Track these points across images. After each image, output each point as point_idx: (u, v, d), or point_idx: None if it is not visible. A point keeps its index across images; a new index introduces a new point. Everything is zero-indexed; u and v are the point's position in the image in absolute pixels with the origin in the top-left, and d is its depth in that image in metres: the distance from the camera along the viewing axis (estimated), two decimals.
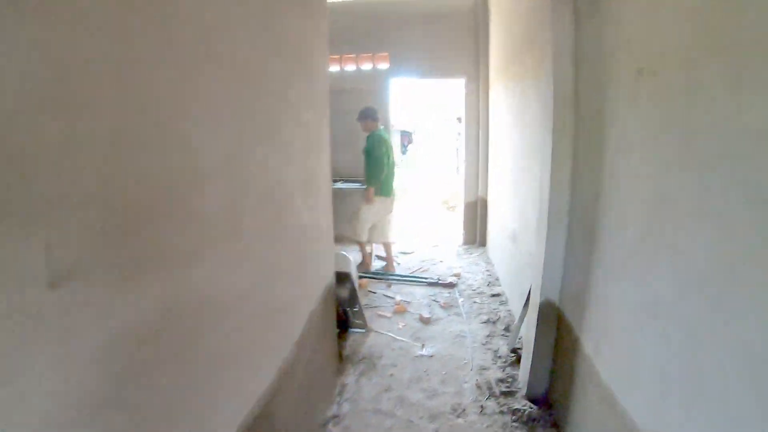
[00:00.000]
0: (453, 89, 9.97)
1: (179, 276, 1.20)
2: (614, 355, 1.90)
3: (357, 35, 6.42)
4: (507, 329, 3.86)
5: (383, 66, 6.42)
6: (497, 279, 5.06)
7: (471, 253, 6.15)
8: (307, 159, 2.41)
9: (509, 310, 4.21)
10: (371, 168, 5.05)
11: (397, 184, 5.49)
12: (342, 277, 3.56)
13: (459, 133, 14.46)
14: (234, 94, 1.52)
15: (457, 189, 12.64)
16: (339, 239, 6.60)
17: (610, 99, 1.89)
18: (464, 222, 6.58)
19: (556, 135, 2.39)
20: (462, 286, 4.92)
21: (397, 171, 5.51)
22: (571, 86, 2.30)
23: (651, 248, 1.57)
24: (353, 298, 3.72)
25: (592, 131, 2.11)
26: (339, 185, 5.78)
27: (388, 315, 4.20)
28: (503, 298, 4.52)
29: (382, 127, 5.33)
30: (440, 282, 4.96)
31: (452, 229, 8.11)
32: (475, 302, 4.48)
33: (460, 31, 6.14)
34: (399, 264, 5.73)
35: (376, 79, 6.46)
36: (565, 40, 2.26)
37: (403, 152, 23.15)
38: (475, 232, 6.44)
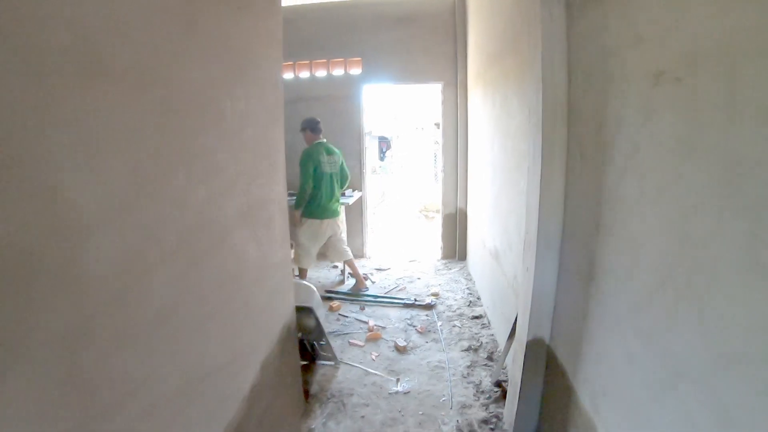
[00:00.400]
0: (431, 95, 9.66)
1: (56, 364, 0.89)
2: (619, 421, 1.56)
3: (328, 40, 6.05)
4: (490, 358, 3.52)
5: (356, 71, 6.06)
6: (478, 298, 4.73)
7: (450, 269, 5.81)
8: (252, 185, 2.03)
9: (492, 335, 3.88)
10: (299, 187, 4.65)
11: (342, 201, 5.18)
12: (304, 310, 3.17)
13: (436, 141, 14.24)
14: (134, 116, 1.15)
15: (435, 197, 12.43)
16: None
17: (615, 110, 1.55)
18: (443, 234, 6.24)
19: (546, 150, 2.05)
20: (441, 307, 4.57)
21: (341, 187, 5.08)
22: (564, 94, 1.97)
23: (671, 300, 1.24)
24: (319, 332, 3.33)
25: (591, 148, 1.77)
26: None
27: (361, 343, 3.82)
28: (485, 320, 4.18)
29: (323, 139, 4.86)
30: (417, 303, 4.60)
31: (431, 240, 7.79)
32: (455, 326, 4.13)
33: (437, 34, 5.82)
34: (373, 283, 5.36)
35: (350, 85, 6.10)
36: (557, 38, 1.92)
37: (381, 159, 22.82)
38: (455, 246, 6.11)
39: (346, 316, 4.38)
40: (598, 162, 1.69)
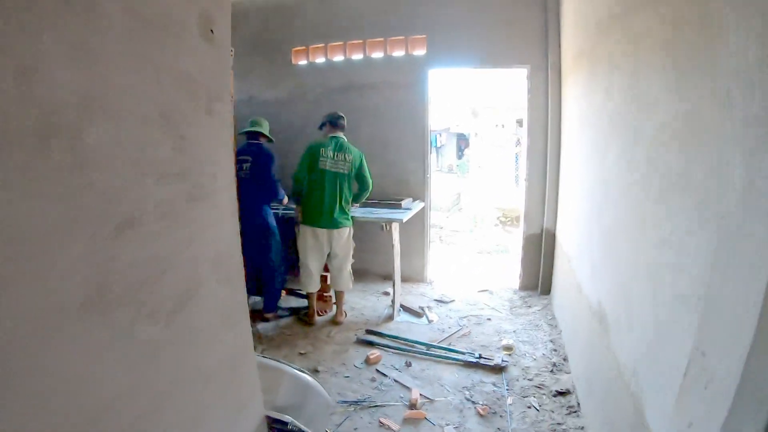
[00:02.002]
0: (514, 83, 8.27)
1: None
2: None
3: (386, 13, 4.96)
4: None
5: (419, 53, 4.92)
6: (565, 359, 3.45)
7: (530, 306, 4.53)
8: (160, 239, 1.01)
9: (582, 429, 2.64)
10: None
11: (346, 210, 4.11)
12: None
13: (519, 140, 12.65)
14: None
15: (515, 202, 11.00)
16: (362, 274, 5.22)
17: None
18: (523, 259, 4.95)
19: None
20: (514, 370, 3.35)
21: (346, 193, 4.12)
22: None
23: None
24: None
25: None
26: (357, 213, 4.34)
27: (395, 427, 2.72)
28: (573, 401, 2.93)
29: (341, 135, 4.08)
30: (482, 362, 3.41)
31: (508, 260, 6.51)
32: (530, 406, 2.91)
33: (521, 3, 4.52)
34: (430, 322, 4.21)
35: (412, 70, 4.96)
36: None
37: (459, 157, 21.32)
38: (537, 274, 4.80)
39: (385, 375, 3.30)
40: None
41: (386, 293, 4.80)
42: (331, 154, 3.94)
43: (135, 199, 1.09)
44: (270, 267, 4.27)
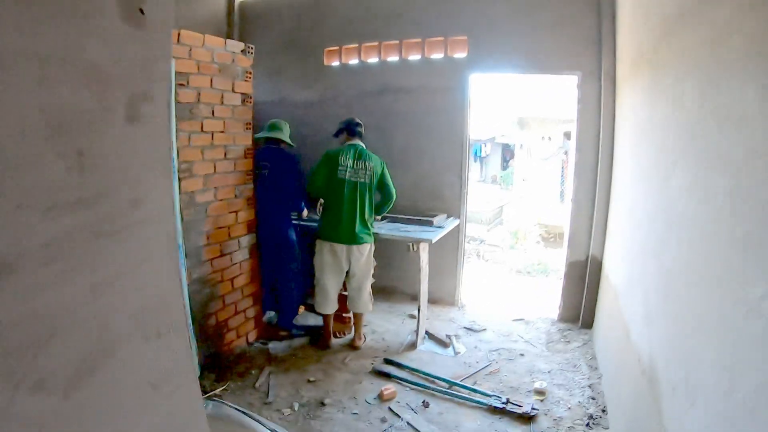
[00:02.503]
0: (563, 91, 7.74)
1: None
2: None
3: (424, 12, 4.60)
4: None
5: (460, 55, 4.53)
6: (604, 411, 2.97)
7: (569, 341, 4.03)
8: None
9: None
10: None
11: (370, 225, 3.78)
12: None
13: (565, 153, 11.99)
14: None
15: (558, 219, 10.49)
16: (389, 293, 4.87)
17: None
18: (565, 288, 4.45)
19: None
20: (544, 421, 2.89)
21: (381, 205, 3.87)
22: None
23: None
24: None
25: None
26: (383, 230, 3.99)
27: None
28: None
29: (359, 142, 3.76)
30: (510, 408, 2.97)
31: (548, 283, 6.01)
32: None
33: (572, 3, 4.06)
34: (457, 354, 3.79)
35: (451, 74, 4.57)
36: None
37: (504, 168, 20.58)
38: (579, 306, 4.28)
39: (398, 416, 2.91)
40: None
41: (412, 316, 4.40)
42: (350, 162, 3.61)
43: (9, 238, 0.77)
44: (287, 281, 3.99)
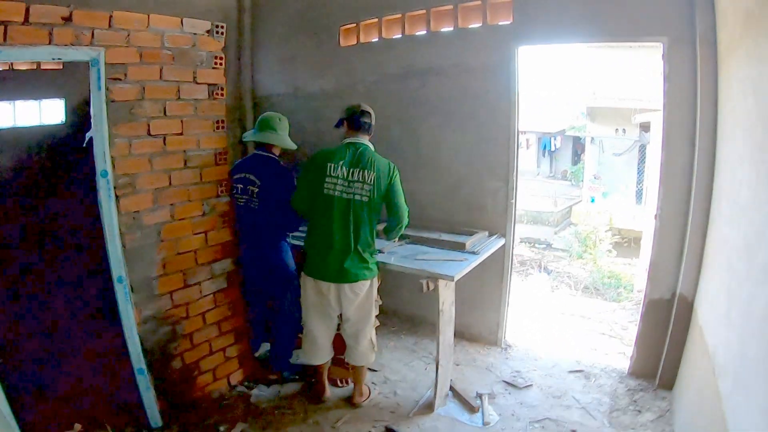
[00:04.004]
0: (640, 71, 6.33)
1: None
2: None
3: None
4: None
5: (504, 22, 3.50)
6: None
7: (639, 410, 2.91)
8: None
9: None
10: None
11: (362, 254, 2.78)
12: None
13: (643, 145, 10.43)
14: None
15: (634, 222, 9.37)
16: (416, 325, 4.00)
17: None
18: (640, 333, 3.29)
19: None
20: None
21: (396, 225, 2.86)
22: None
23: None
24: None
25: None
26: (393, 257, 3.11)
27: None
28: None
29: (363, 140, 2.81)
30: None
31: (620, 303, 4.86)
32: None
33: None
34: (486, 425, 2.84)
35: (492, 47, 3.55)
36: None
37: (575, 163, 18.65)
38: (659, 360, 3.14)
39: None
40: None
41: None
42: (343, 171, 2.68)
43: None
44: (282, 316, 3.24)
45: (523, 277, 7.41)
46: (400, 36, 3.95)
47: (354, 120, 2.80)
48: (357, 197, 2.68)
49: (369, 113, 2.83)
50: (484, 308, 3.83)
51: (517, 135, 3.66)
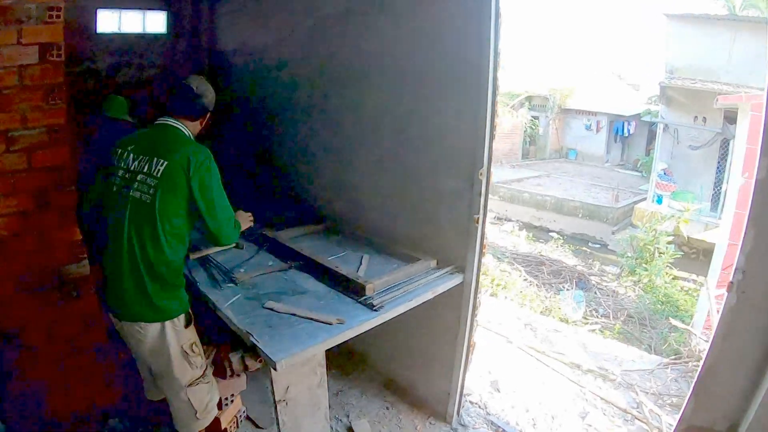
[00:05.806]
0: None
1: None
2: None
3: None
4: None
5: None
6: None
7: None
8: None
9: None
10: None
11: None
12: None
13: (731, 138, 8.53)
14: None
15: (706, 233, 7.95)
16: (400, 395, 2.76)
17: None
18: None
19: None
20: None
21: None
22: None
23: None
24: None
25: None
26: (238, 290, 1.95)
27: None
28: None
29: (169, 120, 1.89)
30: None
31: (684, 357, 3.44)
32: None
33: None
34: None
35: None
36: None
37: (648, 153, 16.26)
38: None
39: None
40: None
41: None
42: (130, 161, 1.79)
43: None
44: None
45: (552, 293, 5.96)
46: None
47: (169, 100, 1.93)
48: (137, 195, 1.73)
49: (189, 91, 1.90)
50: (432, 367, 2.58)
51: (494, 107, 2.27)
